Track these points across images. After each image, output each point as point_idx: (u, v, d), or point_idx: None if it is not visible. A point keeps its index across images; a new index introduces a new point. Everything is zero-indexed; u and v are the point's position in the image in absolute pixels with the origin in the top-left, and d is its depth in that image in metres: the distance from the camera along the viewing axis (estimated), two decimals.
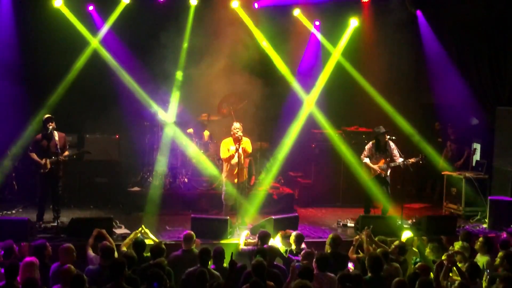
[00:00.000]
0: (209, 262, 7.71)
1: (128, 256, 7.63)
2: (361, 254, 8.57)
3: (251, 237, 9.53)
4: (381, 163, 11.27)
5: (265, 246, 8.28)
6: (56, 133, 10.42)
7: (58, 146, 10.30)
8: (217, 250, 7.97)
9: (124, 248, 8.41)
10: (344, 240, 8.99)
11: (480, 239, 8.73)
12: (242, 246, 8.90)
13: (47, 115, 10.56)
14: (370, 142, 11.53)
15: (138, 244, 8.28)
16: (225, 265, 7.90)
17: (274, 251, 8.19)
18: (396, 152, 11.25)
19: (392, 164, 11.19)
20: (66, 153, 10.60)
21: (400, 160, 11.12)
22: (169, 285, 6.96)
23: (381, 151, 11.33)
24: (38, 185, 10.66)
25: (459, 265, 7.63)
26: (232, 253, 6.89)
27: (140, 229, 9.02)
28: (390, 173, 11.33)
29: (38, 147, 10.49)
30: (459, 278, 7.39)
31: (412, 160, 11.09)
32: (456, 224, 10.92)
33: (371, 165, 11.32)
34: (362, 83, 13.63)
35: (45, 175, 10.44)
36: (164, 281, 6.72)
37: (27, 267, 7.19)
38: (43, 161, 10.36)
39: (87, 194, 12.40)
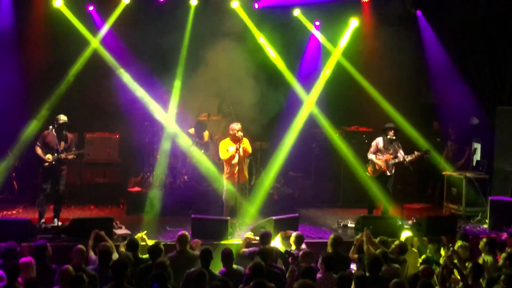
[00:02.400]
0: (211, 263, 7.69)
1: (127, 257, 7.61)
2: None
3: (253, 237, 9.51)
4: (388, 159, 11.25)
5: (267, 246, 8.26)
6: (64, 132, 10.50)
7: (63, 145, 10.36)
8: (225, 251, 7.87)
9: (122, 249, 8.41)
10: (344, 241, 8.98)
11: (484, 239, 8.72)
12: (243, 249, 8.89)
13: (65, 119, 10.51)
14: (378, 139, 11.42)
15: (132, 244, 8.27)
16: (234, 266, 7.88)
17: (275, 252, 8.18)
18: (401, 152, 11.20)
19: (396, 160, 11.14)
20: (70, 156, 10.59)
21: (403, 155, 11.07)
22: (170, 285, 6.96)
23: (388, 147, 11.26)
24: (40, 182, 10.66)
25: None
26: None
27: (141, 233, 9.04)
28: (393, 173, 11.34)
29: (43, 143, 10.50)
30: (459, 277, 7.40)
31: (416, 153, 11.12)
32: (456, 225, 10.90)
33: (376, 161, 11.25)
34: (362, 83, 13.62)
35: (47, 171, 10.44)
36: (169, 281, 6.72)
37: (23, 268, 7.17)
38: (47, 157, 10.38)
39: (87, 194, 12.40)
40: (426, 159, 11.91)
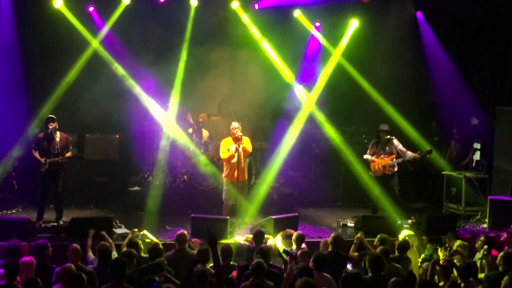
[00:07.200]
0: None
1: (129, 255, 7.62)
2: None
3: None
4: (388, 160, 11.29)
5: (263, 246, 8.27)
6: (58, 134, 10.47)
7: (58, 147, 10.32)
8: (224, 248, 7.95)
9: (125, 249, 8.42)
10: (344, 240, 8.98)
11: (482, 238, 8.73)
12: (240, 241, 8.92)
13: (49, 115, 10.60)
14: (372, 140, 11.59)
15: (132, 245, 8.28)
16: (232, 262, 7.93)
17: (271, 251, 8.19)
18: (401, 147, 11.30)
19: (400, 160, 11.24)
20: (68, 154, 10.61)
21: (409, 153, 11.19)
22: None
23: (382, 148, 11.36)
24: (38, 184, 10.70)
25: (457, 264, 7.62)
26: None
27: (136, 230, 9.05)
28: (397, 171, 11.38)
29: (39, 146, 10.53)
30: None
31: (421, 153, 11.23)
32: (456, 224, 10.91)
33: (372, 158, 11.37)
34: (362, 84, 13.62)
35: (45, 174, 10.47)
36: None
37: (24, 267, 7.17)
38: (43, 160, 10.40)
39: (87, 194, 12.42)
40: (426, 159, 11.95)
